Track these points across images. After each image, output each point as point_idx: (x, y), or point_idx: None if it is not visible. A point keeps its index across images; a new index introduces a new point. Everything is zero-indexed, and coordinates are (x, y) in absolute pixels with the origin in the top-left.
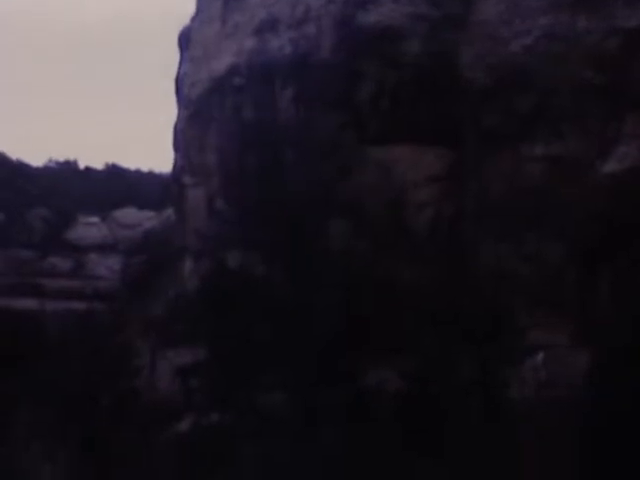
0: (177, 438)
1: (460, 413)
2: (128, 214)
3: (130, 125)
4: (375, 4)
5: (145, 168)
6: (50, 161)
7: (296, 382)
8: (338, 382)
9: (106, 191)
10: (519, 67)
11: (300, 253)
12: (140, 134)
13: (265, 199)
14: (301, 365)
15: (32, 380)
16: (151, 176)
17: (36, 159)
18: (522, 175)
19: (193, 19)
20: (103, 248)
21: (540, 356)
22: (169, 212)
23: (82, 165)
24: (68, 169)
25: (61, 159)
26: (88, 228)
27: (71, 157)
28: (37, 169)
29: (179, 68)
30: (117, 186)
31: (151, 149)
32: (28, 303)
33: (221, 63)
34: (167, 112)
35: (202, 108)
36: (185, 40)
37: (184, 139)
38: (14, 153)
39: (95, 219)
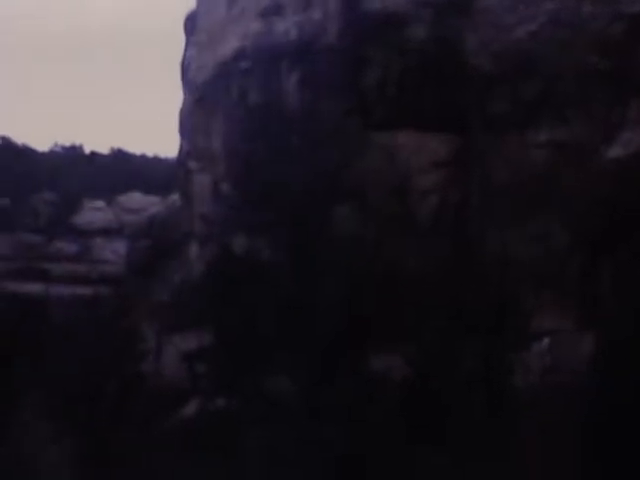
0: (183, 423)
1: (464, 401)
2: (134, 199)
3: (136, 110)
4: None
5: (150, 153)
6: (56, 146)
7: (302, 367)
8: (343, 368)
9: (112, 176)
10: (524, 53)
11: (305, 239)
12: (146, 119)
13: (270, 184)
14: (307, 351)
15: (38, 364)
16: (157, 161)
17: (42, 144)
18: (527, 161)
19: (199, 4)
20: (109, 232)
21: (545, 342)
22: (174, 197)
23: (88, 150)
24: (74, 154)
25: (67, 144)
26: (94, 213)
27: (77, 142)
28: (43, 154)
29: (184, 53)
30: (122, 171)
31: (157, 134)
32: (34, 287)
33: (227, 47)
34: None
35: (208, 93)
36: (191, 25)
37: (190, 124)
38: (20, 138)
39: (101, 204)
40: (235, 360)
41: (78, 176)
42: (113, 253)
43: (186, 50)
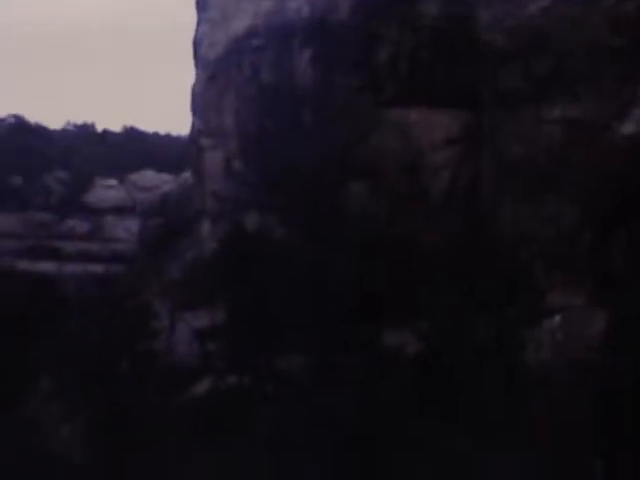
0: (195, 401)
1: (476, 377)
2: (146, 177)
3: (148, 88)
4: None
5: (163, 131)
6: (68, 124)
7: (314, 345)
8: (356, 345)
9: (124, 154)
10: (536, 30)
11: (317, 216)
12: (158, 97)
13: (282, 161)
14: (319, 328)
15: (51, 342)
16: (169, 139)
17: (54, 122)
18: (539, 137)
19: None
20: (121, 211)
21: (557, 318)
22: (187, 175)
23: (100, 128)
24: (86, 132)
25: (79, 122)
26: (106, 191)
27: (89, 120)
28: (55, 132)
29: (196, 30)
30: (135, 149)
31: (169, 112)
32: (46, 266)
33: (239, 25)
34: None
35: (220, 70)
36: (202, 2)
37: (202, 102)
38: (32, 116)
39: (113, 182)
40: (247, 338)
41: (90, 154)
42: (125, 231)
43: (198, 27)
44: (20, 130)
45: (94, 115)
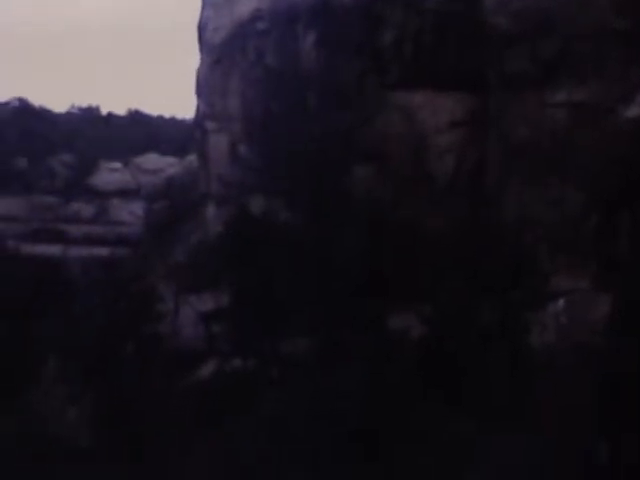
0: (200, 384)
1: (481, 359)
2: (150, 160)
3: (152, 71)
4: None
5: (167, 114)
6: (73, 107)
7: (319, 328)
8: (361, 328)
9: (128, 137)
10: (542, 12)
11: (323, 199)
12: (162, 80)
13: (288, 145)
14: (324, 311)
15: (56, 326)
16: (173, 122)
17: (59, 105)
18: (545, 121)
19: None
20: (126, 194)
21: (561, 301)
22: (191, 158)
23: (104, 111)
24: (90, 115)
25: (84, 105)
26: (111, 174)
27: (93, 103)
28: (60, 115)
29: (201, 14)
30: (139, 132)
31: (173, 95)
32: (51, 249)
33: (244, 8)
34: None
35: (225, 54)
36: None
37: (207, 85)
38: (37, 100)
39: (118, 165)
40: (252, 321)
41: (95, 138)
42: (130, 214)
43: (203, 11)
44: (24, 113)
45: (99, 98)
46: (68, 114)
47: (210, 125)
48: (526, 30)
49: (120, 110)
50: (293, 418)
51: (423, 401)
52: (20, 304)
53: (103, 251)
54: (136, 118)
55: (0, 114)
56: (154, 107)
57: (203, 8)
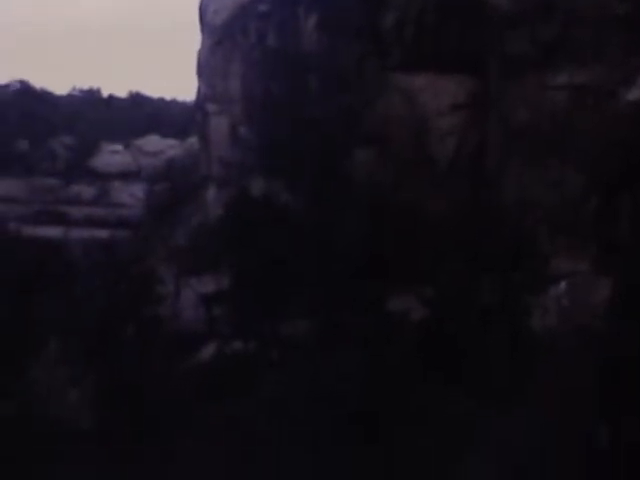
0: (200, 366)
1: (481, 342)
2: (151, 142)
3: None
4: None
5: (168, 96)
6: (74, 89)
7: (319, 310)
8: (361, 309)
9: (129, 119)
10: None
11: (324, 181)
12: (163, 62)
13: (289, 127)
14: (324, 293)
15: (57, 307)
16: (174, 104)
17: (60, 87)
18: (545, 103)
19: None
20: (126, 176)
21: (562, 284)
22: (192, 140)
23: (105, 93)
24: (91, 97)
25: (84, 87)
26: (112, 156)
27: (94, 86)
28: (61, 97)
29: None
30: (140, 114)
31: (174, 77)
32: (52, 231)
33: None
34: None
35: (226, 36)
36: None
37: (208, 67)
38: (38, 82)
39: (119, 147)
40: (252, 303)
41: (96, 120)
42: (131, 196)
43: None
44: (25, 95)
45: (100, 80)
46: (69, 96)
47: (211, 107)
48: (527, 12)
49: (121, 92)
50: (293, 400)
51: (423, 383)
52: (21, 286)
53: (104, 233)
54: (137, 100)
55: (1, 96)
56: (155, 89)
57: None
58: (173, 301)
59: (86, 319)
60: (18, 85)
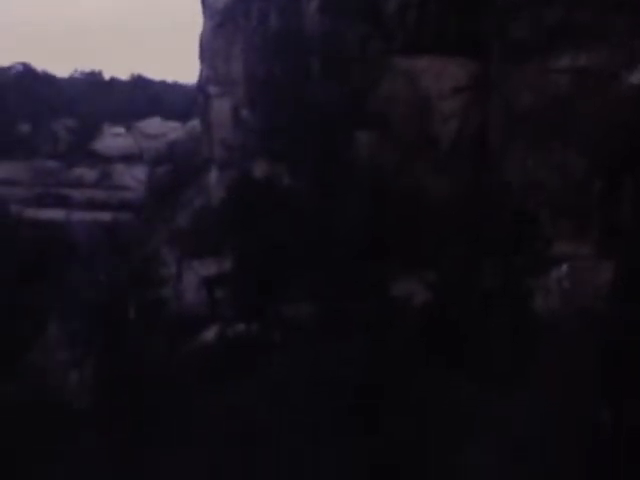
0: (202, 348)
1: (483, 325)
2: (153, 124)
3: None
4: None
5: (170, 79)
6: (75, 72)
7: (322, 293)
8: (364, 293)
9: (131, 102)
10: None
11: (326, 163)
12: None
13: (291, 109)
14: (327, 275)
15: (59, 290)
16: (176, 87)
17: (62, 70)
18: (548, 87)
19: None
20: (129, 158)
21: (565, 267)
22: (194, 122)
23: (107, 76)
24: (93, 80)
25: (86, 70)
26: (113, 138)
27: (96, 68)
28: (62, 80)
29: None
30: (142, 97)
31: (176, 60)
32: (54, 214)
33: None
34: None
35: (228, 18)
36: None
37: (210, 49)
38: (40, 64)
39: (120, 129)
40: (255, 285)
41: (98, 102)
42: (133, 179)
43: None
44: (27, 78)
45: (101, 63)
46: (71, 79)
47: (213, 90)
48: None
49: (123, 75)
50: (294, 384)
51: (425, 367)
52: (23, 269)
53: (106, 216)
54: (139, 83)
55: (3, 79)
56: (157, 71)
57: None
58: (175, 284)
59: (88, 302)
60: (20, 68)
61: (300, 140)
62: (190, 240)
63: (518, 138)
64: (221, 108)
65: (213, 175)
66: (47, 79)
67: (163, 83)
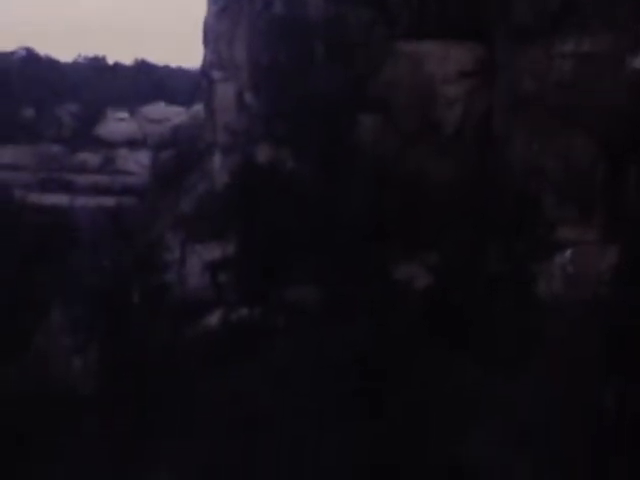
0: (206, 333)
1: (487, 309)
2: (157, 109)
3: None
4: None
5: (174, 64)
6: (79, 57)
7: (325, 277)
8: (367, 277)
9: (135, 87)
10: None
11: (330, 148)
12: (169, 29)
13: (295, 94)
14: (330, 260)
15: (63, 275)
16: (180, 71)
17: (65, 55)
18: (552, 71)
19: None
20: (132, 143)
21: (568, 252)
22: (198, 107)
23: (111, 61)
24: (97, 65)
25: (90, 55)
26: (117, 123)
27: (100, 53)
28: (66, 65)
29: None
30: (146, 82)
31: (180, 44)
32: (58, 199)
33: None
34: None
35: (232, 2)
36: None
37: (214, 34)
38: (44, 49)
39: (124, 114)
40: (258, 270)
41: (102, 87)
42: (136, 164)
43: None
44: (31, 63)
45: (105, 48)
46: (75, 64)
47: (217, 74)
48: None
49: (127, 59)
50: (298, 367)
51: (428, 351)
52: (26, 254)
53: (109, 201)
54: (143, 68)
55: (7, 64)
56: (161, 56)
57: None
58: (179, 268)
59: (91, 287)
60: (24, 53)
61: (304, 125)
62: (194, 225)
63: (522, 123)
64: (225, 93)
65: (217, 160)
66: (51, 64)
67: (167, 68)
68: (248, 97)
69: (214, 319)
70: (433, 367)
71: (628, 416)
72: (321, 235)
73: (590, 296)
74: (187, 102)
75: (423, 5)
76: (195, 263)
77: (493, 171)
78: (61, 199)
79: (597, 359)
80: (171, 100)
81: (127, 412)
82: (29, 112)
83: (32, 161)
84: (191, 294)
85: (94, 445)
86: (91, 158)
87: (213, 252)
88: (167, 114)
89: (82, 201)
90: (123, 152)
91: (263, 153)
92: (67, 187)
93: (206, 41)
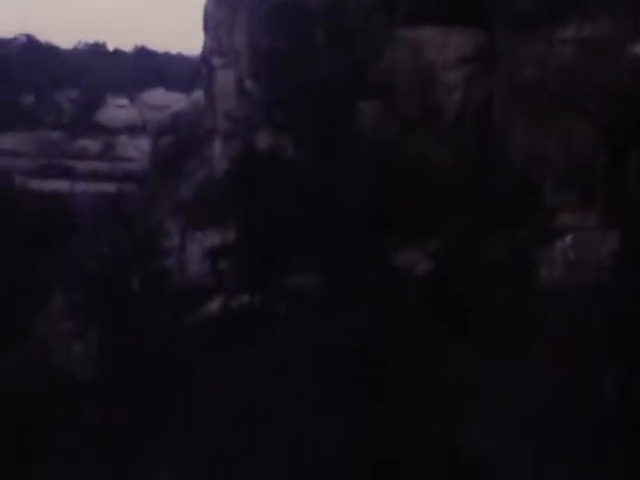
0: (206, 319)
1: (488, 296)
2: (157, 96)
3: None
4: None
5: (174, 50)
6: (79, 43)
7: (325, 264)
8: (367, 264)
9: (135, 73)
10: None
11: (330, 134)
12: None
13: (295, 80)
14: (330, 247)
15: (63, 261)
16: (180, 58)
17: (66, 41)
18: (553, 57)
19: None
20: (132, 130)
21: (569, 238)
22: (198, 94)
23: (111, 47)
24: (97, 51)
25: (90, 41)
26: (117, 110)
27: (100, 39)
28: (67, 51)
29: None
30: (146, 68)
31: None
32: (58, 185)
33: None
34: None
35: None
36: None
37: (214, 20)
38: (44, 35)
39: (124, 101)
40: (259, 256)
41: (102, 73)
42: (136, 150)
43: None
44: (31, 49)
45: (106, 34)
46: (75, 50)
47: (217, 61)
48: None
49: (127, 46)
50: (299, 354)
51: (429, 338)
52: (26, 240)
53: (109, 187)
54: (143, 54)
55: (7, 50)
56: (161, 43)
57: None
58: (179, 255)
59: (91, 273)
60: (24, 39)
61: (304, 111)
62: (194, 211)
63: (522, 109)
64: (225, 79)
65: (217, 146)
66: (51, 51)
67: (167, 54)
68: (248, 84)
69: (214, 306)
70: (433, 354)
71: (629, 402)
72: (321, 222)
73: (591, 282)
74: (187, 89)
75: None
76: (195, 250)
77: (493, 157)
78: (61, 185)
79: (598, 345)
80: (171, 86)
81: (127, 398)
82: (29, 98)
83: (32, 147)
84: (191, 281)
85: (94, 433)
86: (91, 144)
87: (213, 239)
88: (167, 100)
89: (82, 187)
90: (123, 138)
91: (263, 140)
92: (67, 173)
93: (206, 28)
